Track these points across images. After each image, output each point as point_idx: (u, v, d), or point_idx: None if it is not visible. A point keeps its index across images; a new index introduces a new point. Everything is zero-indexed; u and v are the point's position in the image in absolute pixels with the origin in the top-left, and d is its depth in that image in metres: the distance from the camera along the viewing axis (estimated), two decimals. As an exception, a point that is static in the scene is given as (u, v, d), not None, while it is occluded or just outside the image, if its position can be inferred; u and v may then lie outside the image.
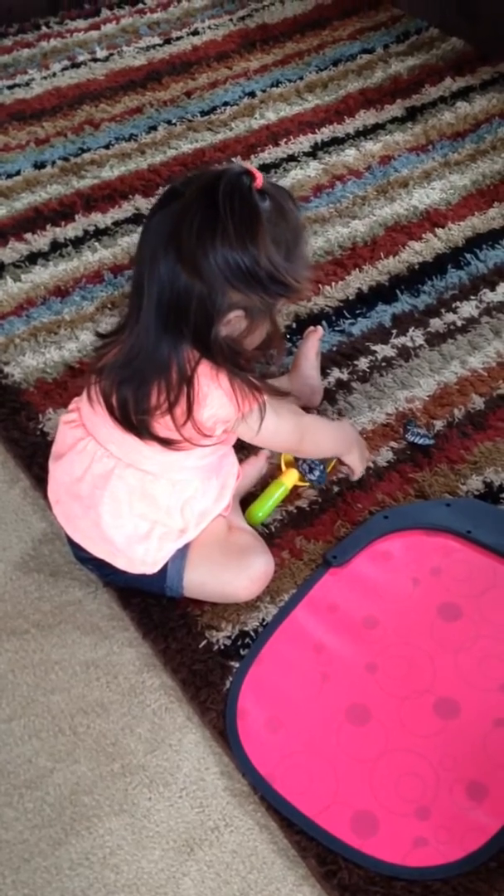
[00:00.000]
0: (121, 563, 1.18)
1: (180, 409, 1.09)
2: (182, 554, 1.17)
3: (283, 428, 1.19)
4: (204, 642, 1.17)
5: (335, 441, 1.30)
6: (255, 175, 1.04)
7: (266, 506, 1.29)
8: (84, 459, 1.17)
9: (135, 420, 1.10)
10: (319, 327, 1.52)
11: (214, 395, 1.09)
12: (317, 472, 1.33)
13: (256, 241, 1.02)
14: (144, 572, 1.17)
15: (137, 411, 1.10)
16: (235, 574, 1.18)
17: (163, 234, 1.04)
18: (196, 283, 1.02)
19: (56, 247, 1.79)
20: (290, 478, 1.32)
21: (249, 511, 1.28)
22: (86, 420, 1.18)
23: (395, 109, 2.09)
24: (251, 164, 1.13)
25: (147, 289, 1.06)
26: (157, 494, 1.16)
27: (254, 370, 1.13)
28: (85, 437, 1.17)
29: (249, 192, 1.03)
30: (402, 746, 1.07)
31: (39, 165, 2.01)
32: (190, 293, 1.03)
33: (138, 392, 1.09)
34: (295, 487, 1.33)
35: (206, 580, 1.18)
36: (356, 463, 1.32)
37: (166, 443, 1.12)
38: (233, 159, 1.98)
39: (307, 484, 1.33)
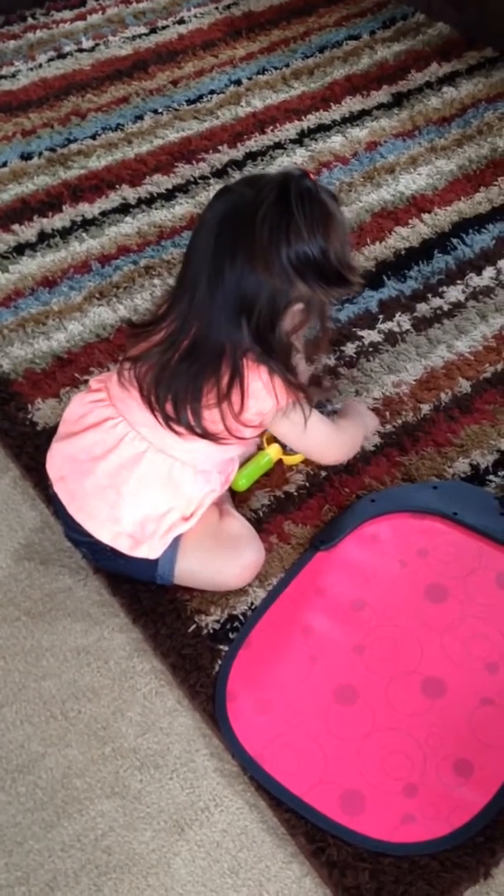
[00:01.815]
0: (123, 546, 1.17)
1: (231, 403, 1.12)
2: (174, 542, 1.18)
3: (335, 440, 1.28)
4: (193, 627, 1.18)
5: (360, 436, 1.35)
6: (311, 176, 1.11)
7: (247, 472, 1.31)
8: (110, 439, 1.17)
9: (185, 407, 1.12)
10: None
11: (255, 386, 1.13)
12: None
13: (328, 235, 1.08)
14: (147, 556, 1.17)
15: (193, 402, 1.12)
16: (227, 563, 1.19)
17: (228, 232, 1.08)
18: (267, 278, 1.07)
19: (43, 237, 1.79)
20: (274, 451, 1.34)
21: (234, 479, 1.29)
22: (116, 401, 1.18)
23: (382, 95, 2.09)
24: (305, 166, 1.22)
25: (208, 284, 1.09)
26: (182, 482, 1.17)
27: (296, 371, 1.16)
28: (116, 416, 1.18)
29: (317, 191, 1.10)
30: (389, 725, 1.08)
31: (26, 156, 2.01)
32: (259, 288, 1.07)
33: (194, 385, 1.12)
34: (280, 462, 1.35)
35: (197, 569, 1.19)
36: (375, 424, 1.39)
37: (206, 435, 1.14)
38: (219, 148, 1.99)
39: (291, 457, 1.34)
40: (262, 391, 1.13)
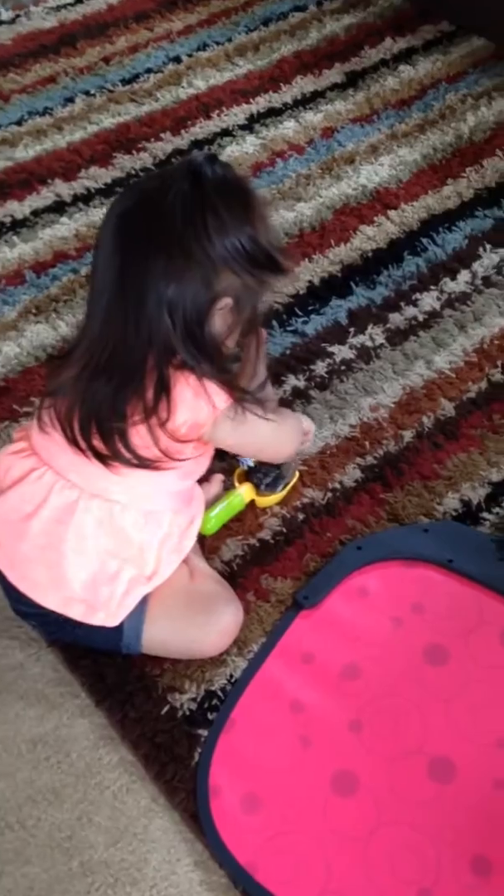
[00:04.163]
0: (76, 613, 1.03)
1: (159, 417, 0.98)
2: (140, 607, 1.03)
3: (283, 434, 1.16)
4: (166, 708, 1.04)
5: (299, 429, 1.22)
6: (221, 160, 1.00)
7: (217, 513, 1.18)
8: (39, 491, 1.03)
9: (109, 430, 0.98)
10: (262, 330, 1.37)
11: (185, 395, 0.99)
12: (270, 477, 1.21)
13: (252, 220, 0.98)
14: (104, 624, 1.02)
15: (116, 422, 0.98)
16: (201, 628, 1.05)
17: (139, 231, 0.96)
18: (187, 273, 0.94)
19: (-31, 242, 1.60)
20: (247, 490, 1.20)
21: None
22: (39, 449, 1.04)
23: (334, 74, 1.93)
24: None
25: (118, 288, 0.96)
26: (127, 527, 1.03)
27: (231, 374, 1.04)
28: (39, 466, 1.04)
29: (231, 173, 0.99)
30: (395, 818, 0.96)
31: None
32: (180, 284, 0.94)
33: (115, 401, 0.97)
34: (252, 502, 1.21)
35: (168, 636, 1.05)
36: (310, 427, 1.26)
37: (140, 461, 0.99)
38: (161, 135, 1.81)
39: (266, 498, 1.20)
40: (193, 399, 0.99)
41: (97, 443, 0.99)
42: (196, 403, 0.99)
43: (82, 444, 0.99)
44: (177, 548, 1.06)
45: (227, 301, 0.98)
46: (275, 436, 1.14)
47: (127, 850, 0.96)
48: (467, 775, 0.99)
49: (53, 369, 1.08)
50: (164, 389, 0.97)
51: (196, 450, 1.05)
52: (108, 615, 1.03)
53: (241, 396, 1.03)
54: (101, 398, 0.98)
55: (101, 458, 0.99)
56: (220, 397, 1.00)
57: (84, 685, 1.07)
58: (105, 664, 1.07)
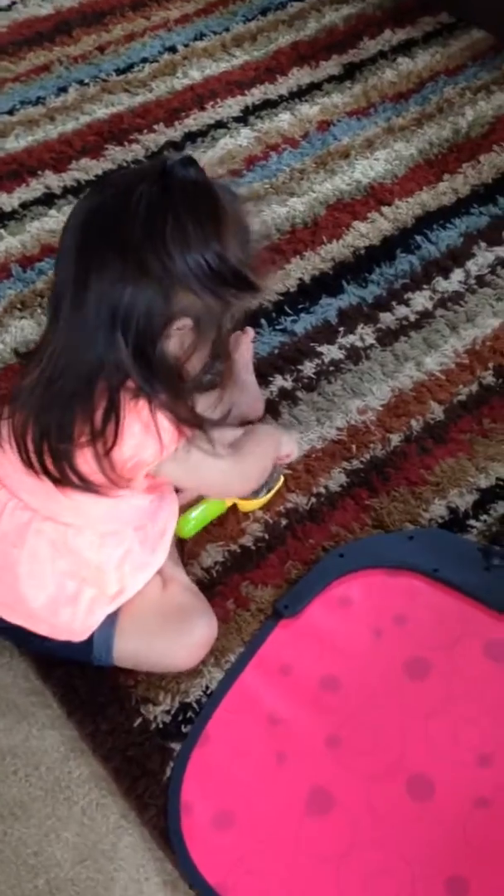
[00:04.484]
0: (42, 630, 1.01)
1: (104, 441, 0.91)
2: (110, 620, 1.01)
3: (235, 474, 1.06)
4: (139, 720, 1.01)
5: (267, 460, 1.13)
6: (198, 164, 0.92)
7: (196, 515, 1.14)
8: None
9: (57, 451, 0.92)
10: (249, 328, 1.34)
11: (134, 429, 0.92)
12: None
13: (220, 233, 0.89)
14: (70, 639, 1.00)
15: (62, 442, 0.92)
16: (173, 642, 1.02)
17: (99, 232, 0.89)
18: (142, 287, 0.87)
19: (-47, 235, 1.57)
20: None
21: (178, 522, 1.12)
22: None
23: (332, 66, 1.89)
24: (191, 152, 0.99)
25: (73, 296, 0.89)
26: (82, 549, 0.99)
27: (190, 401, 0.96)
28: None
29: (205, 180, 0.91)
30: (371, 838, 0.93)
31: None
32: (134, 298, 0.87)
33: (62, 419, 0.91)
34: (234, 505, 1.18)
35: (138, 649, 1.02)
36: (290, 451, 1.18)
37: (88, 486, 0.94)
38: (155, 127, 1.77)
39: (248, 503, 1.17)
40: (141, 434, 0.92)
41: (49, 463, 0.94)
42: (144, 440, 0.92)
43: (35, 465, 0.94)
44: (143, 563, 1.02)
45: (185, 322, 0.91)
46: (224, 479, 1.07)
47: (94, 868, 0.93)
48: (446, 793, 0.96)
49: (22, 369, 1.02)
50: (114, 414, 0.90)
51: (143, 482, 0.98)
52: (73, 634, 1.00)
53: (192, 436, 0.95)
54: (51, 414, 0.92)
55: (53, 480, 0.94)
56: (170, 435, 0.93)
57: (56, 695, 1.04)
58: (77, 675, 1.04)
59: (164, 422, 0.92)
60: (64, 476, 0.93)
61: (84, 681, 1.04)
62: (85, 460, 0.93)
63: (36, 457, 0.94)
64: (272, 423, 1.28)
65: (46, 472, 0.95)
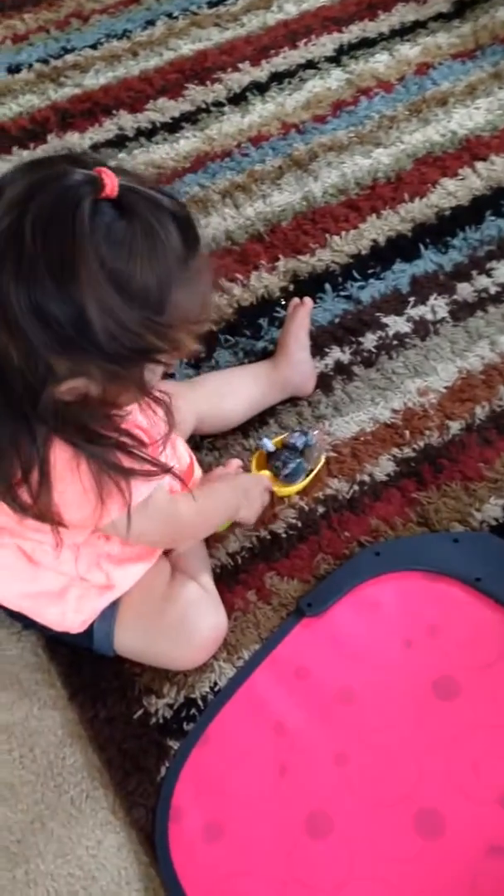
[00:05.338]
0: (39, 621, 0.97)
1: (30, 486, 0.79)
2: (111, 611, 0.95)
3: (151, 527, 0.89)
4: (140, 711, 0.96)
5: (218, 517, 1.02)
6: (105, 181, 0.70)
7: None
8: None
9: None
10: (308, 299, 1.22)
11: (70, 490, 0.79)
12: (291, 466, 1.08)
13: (78, 282, 0.69)
14: (68, 631, 0.95)
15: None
16: (174, 642, 0.95)
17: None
18: (9, 344, 0.71)
19: (19, 176, 1.51)
20: (265, 478, 1.09)
21: None
22: None
23: (440, 2, 1.73)
24: (111, 162, 0.74)
25: None
26: (50, 563, 0.92)
27: (114, 439, 0.80)
28: None
29: (76, 209, 0.69)
30: (370, 873, 0.86)
31: (14, 69, 1.71)
32: (6, 355, 0.72)
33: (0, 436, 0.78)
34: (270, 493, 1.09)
35: (139, 645, 0.96)
36: (247, 521, 1.05)
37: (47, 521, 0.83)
38: (239, 65, 1.66)
39: (286, 488, 1.09)
40: (79, 496, 0.79)
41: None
42: (80, 501, 0.79)
43: None
44: (131, 556, 0.95)
45: (74, 383, 0.74)
46: (173, 531, 0.96)
47: (75, 865, 0.89)
48: (458, 833, 0.87)
49: None
50: (38, 462, 0.77)
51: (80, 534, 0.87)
52: (66, 628, 0.95)
53: (126, 483, 0.80)
54: None
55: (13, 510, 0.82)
56: (112, 496, 0.80)
57: (61, 675, 1.00)
58: (85, 655, 0.99)
59: (102, 483, 0.79)
60: (20, 510, 0.82)
61: (89, 663, 0.99)
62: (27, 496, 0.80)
63: None
64: (323, 401, 1.18)
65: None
